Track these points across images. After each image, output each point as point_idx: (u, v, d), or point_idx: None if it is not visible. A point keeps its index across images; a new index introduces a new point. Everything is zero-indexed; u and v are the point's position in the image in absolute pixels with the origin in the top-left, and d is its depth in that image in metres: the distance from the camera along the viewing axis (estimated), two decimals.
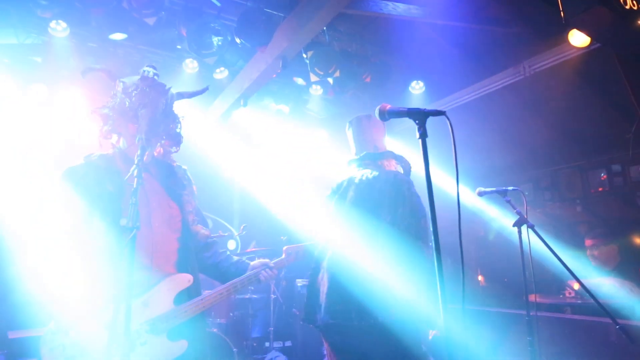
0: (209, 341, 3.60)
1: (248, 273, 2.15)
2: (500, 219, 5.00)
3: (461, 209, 1.60)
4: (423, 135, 1.58)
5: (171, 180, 2.09)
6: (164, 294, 1.85)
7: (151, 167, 2.04)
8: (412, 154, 5.93)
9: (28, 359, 3.13)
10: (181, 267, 1.95)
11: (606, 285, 3.63)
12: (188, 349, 1.86)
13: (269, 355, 4.66)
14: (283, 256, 2.32)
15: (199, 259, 2.14)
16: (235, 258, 2.24)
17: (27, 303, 3.79)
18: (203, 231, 2.13)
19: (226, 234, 2.29)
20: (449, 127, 1.57)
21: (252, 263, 2.21)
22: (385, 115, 1.66)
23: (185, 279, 1.92)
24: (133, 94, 1.93)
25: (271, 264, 2.23)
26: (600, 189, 4.93)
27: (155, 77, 1.98)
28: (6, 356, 3.12)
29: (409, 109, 1.62)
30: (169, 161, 2.13)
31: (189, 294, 1.93)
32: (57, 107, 4.67)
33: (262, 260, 2.24)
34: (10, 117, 4.49)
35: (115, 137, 2.05)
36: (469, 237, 5.64)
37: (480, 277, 5.56)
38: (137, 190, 1.57)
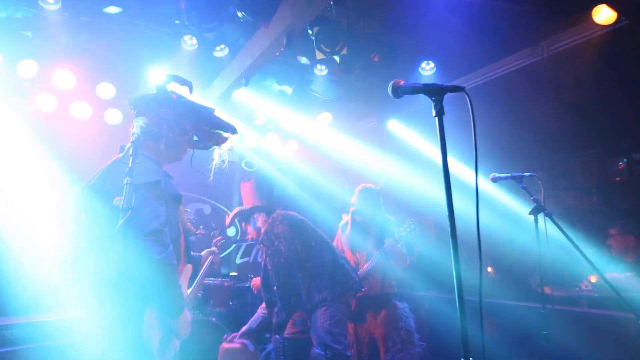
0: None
1: (207, 260, 2.72)
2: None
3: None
4: (439, 114, 1.48)
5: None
6: (184, 280, 2.31)
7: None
8: (418, 137, 5.73)
9: (15, 347, 3.01)
10: (186, 259, 2.37)
11: (623, 279, 3.51)
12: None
13: (269, 346, 4.53)
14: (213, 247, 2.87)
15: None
16: None
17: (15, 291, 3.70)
18: (192, 228, 2.51)
19: (199, 232, 2.83)
20: (469, 104, 1.49)
21: (202, 254, 2.75)
22: (399, 91, 1.55)
23: (191, 269, 2.37)
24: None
25: (215, 250, 2.80)
26: (618, 178, 4.73)
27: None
28: None
29: (425, 84, 1.52)
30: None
31: (191, 280, 2.42)
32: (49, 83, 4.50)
33: (209, 250, 2.78)
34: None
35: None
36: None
37: (489, 269, 5.40)
38: (132, 169, 1.62)
